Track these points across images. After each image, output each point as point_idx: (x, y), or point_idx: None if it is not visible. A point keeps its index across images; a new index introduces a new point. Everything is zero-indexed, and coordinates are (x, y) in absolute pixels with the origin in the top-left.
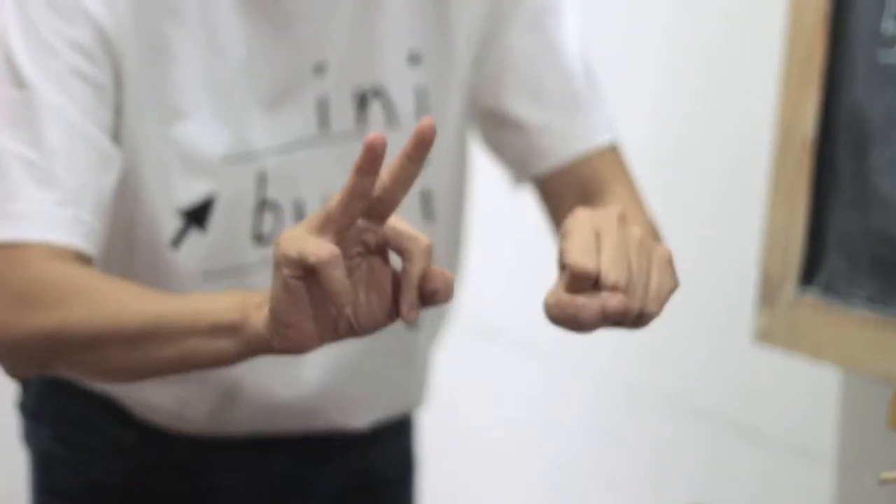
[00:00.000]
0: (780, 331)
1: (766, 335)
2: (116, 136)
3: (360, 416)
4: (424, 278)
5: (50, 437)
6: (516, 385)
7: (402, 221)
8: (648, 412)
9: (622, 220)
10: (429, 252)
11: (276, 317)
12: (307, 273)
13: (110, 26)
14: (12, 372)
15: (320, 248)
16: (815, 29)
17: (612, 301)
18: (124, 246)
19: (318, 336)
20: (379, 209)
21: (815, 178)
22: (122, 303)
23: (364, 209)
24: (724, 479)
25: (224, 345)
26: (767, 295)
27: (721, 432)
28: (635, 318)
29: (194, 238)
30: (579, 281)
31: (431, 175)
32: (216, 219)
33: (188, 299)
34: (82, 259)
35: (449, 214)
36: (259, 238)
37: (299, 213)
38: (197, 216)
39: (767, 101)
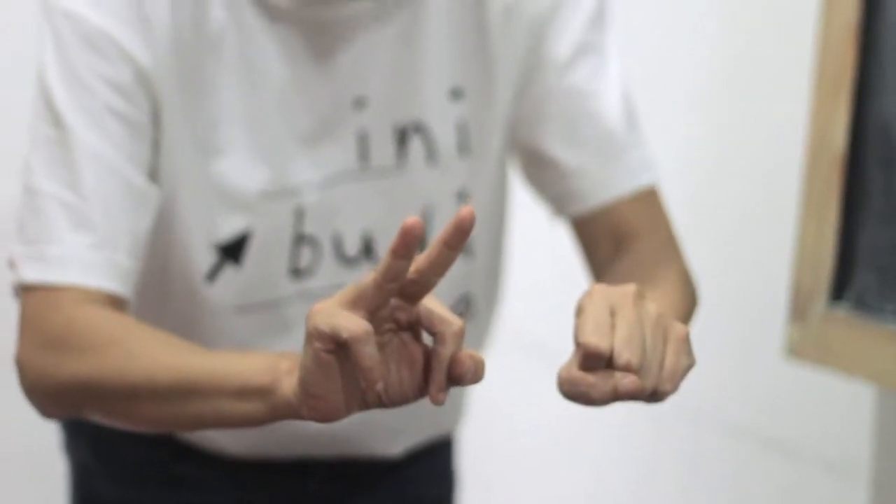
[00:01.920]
0: (810, 346)
1: (796, 350)
2: (154, 172)
3: (395, 444)
4: (454, 361)
5: (87, 450)
6: (548, 400)
7: (436, 302)
8: (679, 428)
9: (638, 297)
10: (460, 336)
11: (305, 387)
12: (339, 347)
13: (149, 64)
14: (42, 413)
15: (353, 324)
16: (845, 42)
17: (625, 381)
18: (159, 279)
19: (346, 407)
20: (412, 290)
21: (845, 192)
22: (155, 356)
23: (397, 290)
24: (756, 495)
25: (251, 407)
26: (798, 310)
27: (752, 448)
28: (649, 396)
29: (229, 273)
30: (592, 360)
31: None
32: (252, 253)
33: (221, 358)
34: (116, 303)
35: (487, 248)
36: (296, 272)
37: (338, 248)
38: (233, 251)
39: (798, 115)
